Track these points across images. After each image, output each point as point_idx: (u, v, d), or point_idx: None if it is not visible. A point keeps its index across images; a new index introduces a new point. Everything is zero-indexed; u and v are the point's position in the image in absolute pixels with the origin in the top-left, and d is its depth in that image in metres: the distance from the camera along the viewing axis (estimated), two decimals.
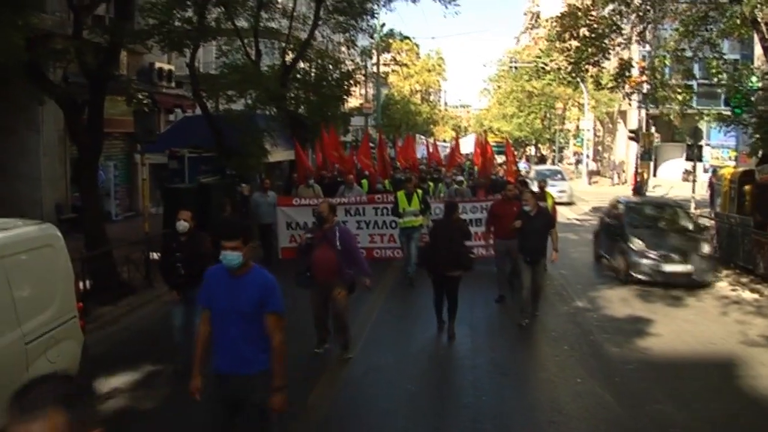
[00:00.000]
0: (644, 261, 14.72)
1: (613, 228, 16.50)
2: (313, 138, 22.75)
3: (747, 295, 14.37)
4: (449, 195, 17.61)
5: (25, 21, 11.05)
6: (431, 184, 19.46)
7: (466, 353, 10.06)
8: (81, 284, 10.05)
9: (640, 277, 14.68)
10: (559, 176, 37.07)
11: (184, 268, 8.63)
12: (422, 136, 50.67)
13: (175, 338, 8.92)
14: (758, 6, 16.76)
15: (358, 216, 16.55)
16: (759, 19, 17.02)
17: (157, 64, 23.31)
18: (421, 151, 35.82)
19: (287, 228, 16.66)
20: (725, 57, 20.56)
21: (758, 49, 20.96)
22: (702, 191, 27.17)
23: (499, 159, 31.94)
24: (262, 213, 16.64)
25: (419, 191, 15.31)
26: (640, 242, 14.99)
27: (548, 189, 16.92)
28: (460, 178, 20.30)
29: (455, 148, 29.82)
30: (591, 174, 46.75)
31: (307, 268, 9.40)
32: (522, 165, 49.42)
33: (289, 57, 23.26)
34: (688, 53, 20.61)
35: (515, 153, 41.36)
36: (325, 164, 22.08)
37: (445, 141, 53.39)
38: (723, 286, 15.24)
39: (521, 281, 11.69)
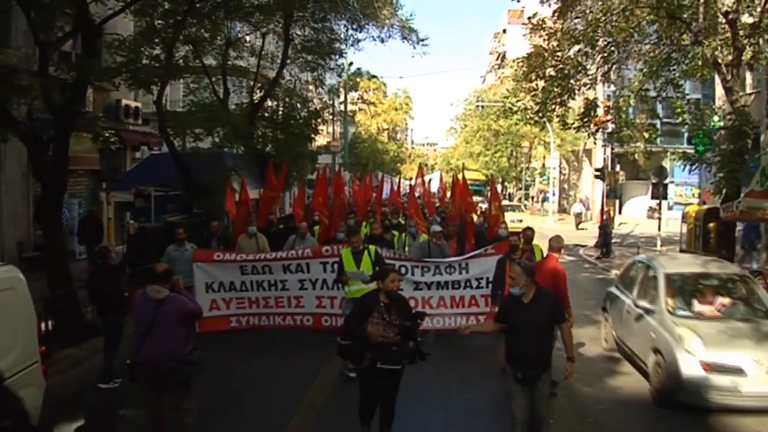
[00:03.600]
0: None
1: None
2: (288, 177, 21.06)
3: None
4: (421, 250, 13.51)
5: None
6: (396, 233, 15.72)
7: (439, 394, 9.91)
8: (43, 325, 9.77)
9: None
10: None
11: None
12: (388, 175, 49.36)
13: None
14: (719, 48, 17.28)
15: (300, 274, 12.78)
16: (720, 61, 17.49)
17: (124, 101, 23.14)
18: (386, 192, 33.49)
19: (207, 290, 12.70)
20: (688, 97, 21.02)
21: (719, 90, 21.42)
22: (667, 228, 27.47)
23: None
24: (178, 272, 12.45)
25: (371, 247, 11.09)
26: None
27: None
28: (437, 227, 14.28)
29: (424, 187, 28.38)
30: (578, 216, 43.97)
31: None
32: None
33: (257, 95, 23.32)
34: (652, 93, 21.08)
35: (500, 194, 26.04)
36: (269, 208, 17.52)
37: (411, 179, 46.53)
38: None
39: (511, 411, 7.17)
